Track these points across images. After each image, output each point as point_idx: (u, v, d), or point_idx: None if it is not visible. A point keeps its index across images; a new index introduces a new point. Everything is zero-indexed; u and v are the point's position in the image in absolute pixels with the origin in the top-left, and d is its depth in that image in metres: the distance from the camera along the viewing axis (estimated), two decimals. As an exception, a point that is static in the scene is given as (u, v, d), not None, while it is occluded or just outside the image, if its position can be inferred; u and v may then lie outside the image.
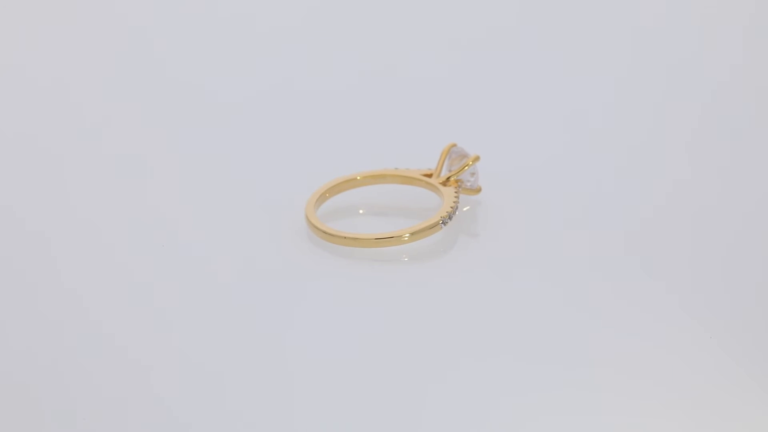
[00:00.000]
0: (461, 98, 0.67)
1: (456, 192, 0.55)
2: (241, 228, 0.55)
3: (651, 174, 0.58)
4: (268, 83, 0.69)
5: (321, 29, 0.74)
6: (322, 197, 0.56)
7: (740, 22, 0.72)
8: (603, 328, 0.48)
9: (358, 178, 0.57)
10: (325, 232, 0.53)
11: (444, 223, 0.53)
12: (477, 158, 0.55)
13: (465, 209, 0.56)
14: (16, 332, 0.49)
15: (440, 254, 0.53)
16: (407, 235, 0.53)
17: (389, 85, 0.68)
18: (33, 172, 0.61)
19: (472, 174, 0.56)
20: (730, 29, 0.71)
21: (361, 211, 0.57)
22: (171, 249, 0.54)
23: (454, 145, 0.56)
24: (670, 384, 0.45)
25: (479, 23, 0.73)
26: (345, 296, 0.51)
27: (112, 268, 0.53)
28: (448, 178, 0.55)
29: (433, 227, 0.53)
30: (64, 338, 0.49)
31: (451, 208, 0.54)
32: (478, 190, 0.56)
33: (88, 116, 0.66)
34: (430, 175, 0.56)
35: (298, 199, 0.56)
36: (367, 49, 0.72)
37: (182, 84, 0.69)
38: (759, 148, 0.60)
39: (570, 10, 0.74)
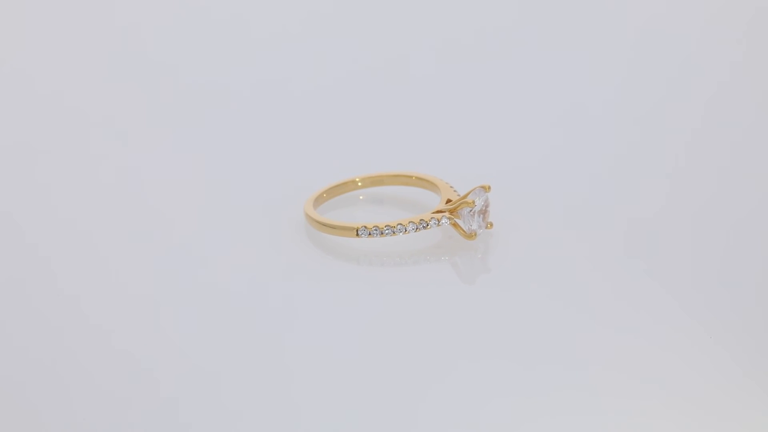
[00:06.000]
0: (460, 99, 0.67)
1: (439, 217, 0.53)
2: (241, 228, 0.55)
3: (651, 174, 0.58)
4: (269, 84, 0.69)
5: (323, 30, 0.74)
6: (320, 198, 0.56)
7: (740, 21, 0.72)
8: (602, 329, 0.48)
9: (358, 182, 0.57)
10: (323, 224, 0.53)
11: (360, 232, 0.52)
12: (472, 203, 0.52)
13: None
14: (16, 332, 0.49)
15: (440, 255, 0.53)
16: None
17: (389, 86, 0.69)
18: (29, 173, 0.61)
19: (473, 214, 0.53)
20: (729, 26, 0.71)
21: (361, 197, 0.57)
22: (171, 249, 0.54)
23: (486, 188, 0.53)
24: (670, 385, 0.45)
25: (478, 24, 0.74)
26: (345, 296, 0.51)
27: (112, 269, 0.53)
28: (452, 209, 0.53)
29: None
30: (65, 340, 0.49)
31: (420, 221, 0.52)
32: (471, 236, 0.53)
33: (88, 117, 0.66)
34: (450, 201, 0.54)
35: (298, 200, 0.56)
36: (367, 50, 0.72)
37: (182, 85, 0.69)
38: (759, 147, 0.60)
39: (564, 8, 0.74)
